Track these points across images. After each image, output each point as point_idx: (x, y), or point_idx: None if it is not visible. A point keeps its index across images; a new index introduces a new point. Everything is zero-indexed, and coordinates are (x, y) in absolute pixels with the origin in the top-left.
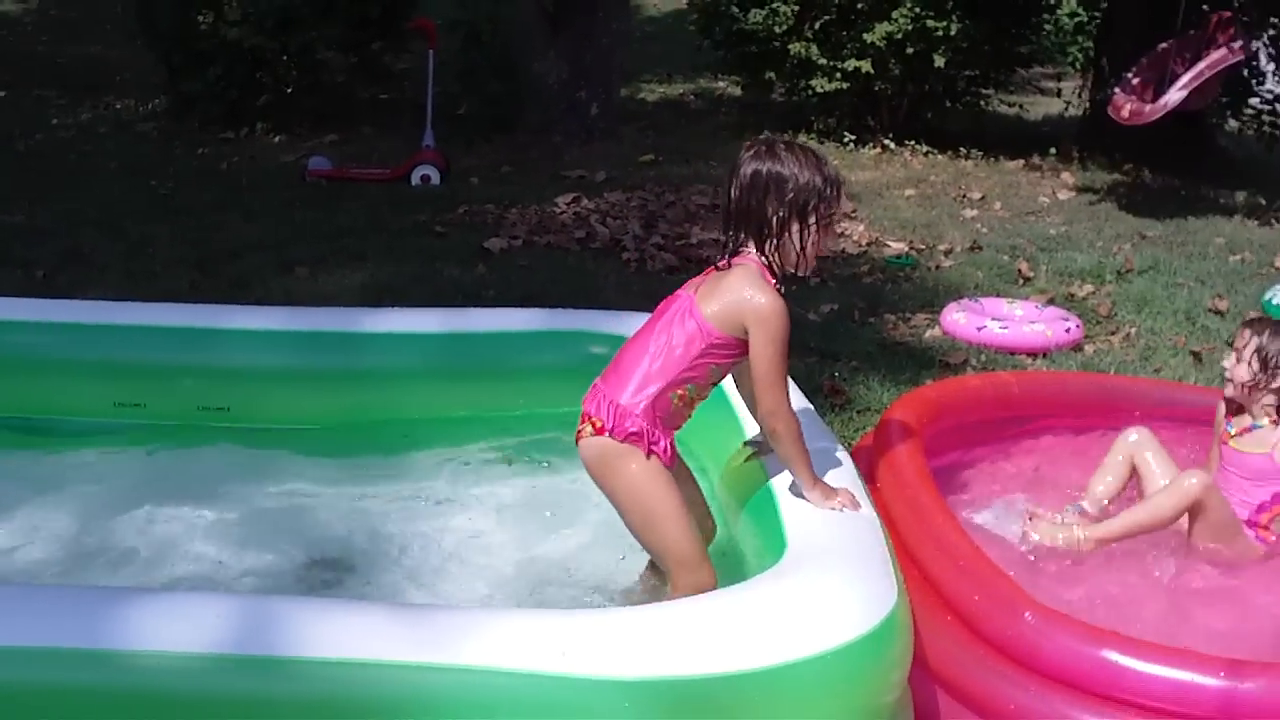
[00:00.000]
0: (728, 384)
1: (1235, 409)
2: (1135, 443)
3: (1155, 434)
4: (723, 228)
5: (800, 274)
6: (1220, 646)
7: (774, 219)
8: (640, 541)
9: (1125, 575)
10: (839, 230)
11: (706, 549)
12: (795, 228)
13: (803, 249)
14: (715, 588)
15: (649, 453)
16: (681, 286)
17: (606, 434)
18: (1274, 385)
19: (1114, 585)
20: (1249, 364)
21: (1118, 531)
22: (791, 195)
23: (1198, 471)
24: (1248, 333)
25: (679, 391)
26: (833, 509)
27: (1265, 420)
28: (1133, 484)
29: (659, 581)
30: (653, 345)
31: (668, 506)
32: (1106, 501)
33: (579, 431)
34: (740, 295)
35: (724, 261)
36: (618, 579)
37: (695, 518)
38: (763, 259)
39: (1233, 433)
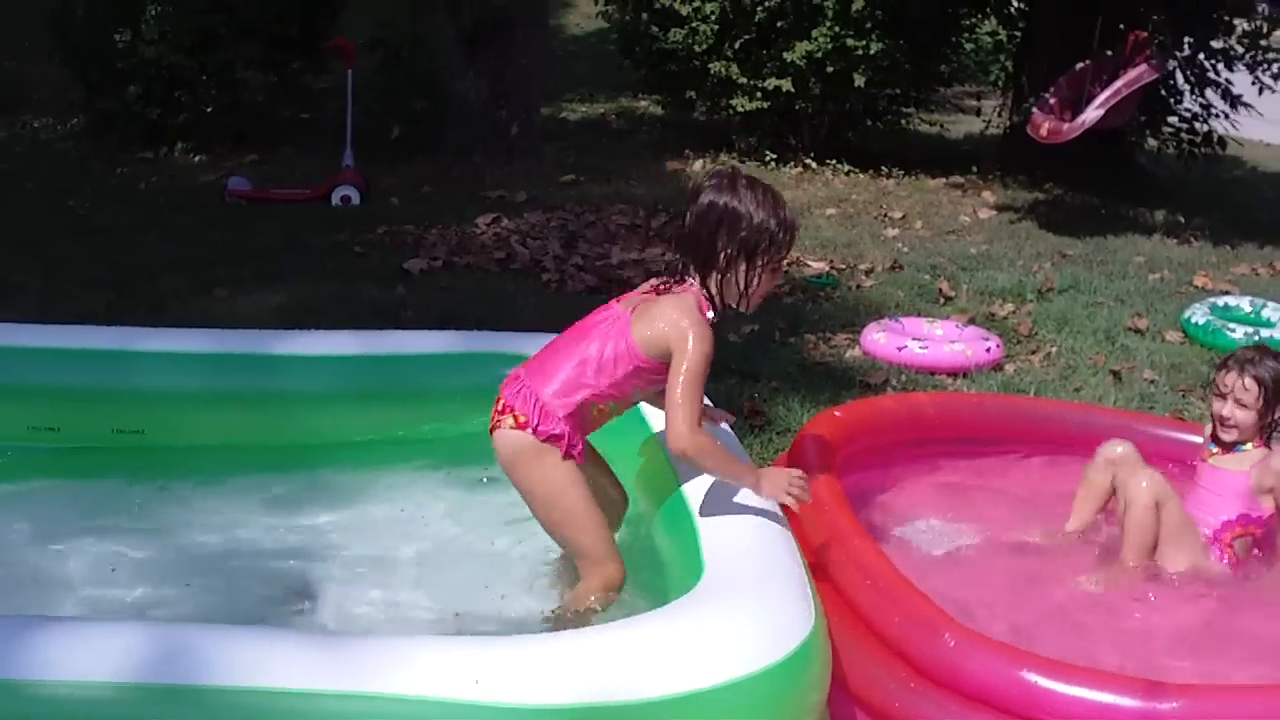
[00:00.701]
0: (647, 408)
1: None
2: (1120, 455)
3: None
4: (673, 249)
5: (741, 311)
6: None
7: (722, 254)
8: (552, 536)
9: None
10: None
11: (614, 541)
12: (742, 267)
13: (746, 288)
14: (622, 581)
15: (566, 454)
16: (618, 299)
17: (529, 430)
18: (1274, 418)
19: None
20: (1256, 409)
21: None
22: (744, 234)
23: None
24: (1243, 378)
25: (600, 405)
26: (791, 495)
27: (1249, 445)
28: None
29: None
30: (581, 352)
31: (580, 506)
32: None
33: (496, 420)
34: (670, 322)
35: (664, 284)
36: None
37: (606, 503)
38: (703, 291)
39: (1214, 451)
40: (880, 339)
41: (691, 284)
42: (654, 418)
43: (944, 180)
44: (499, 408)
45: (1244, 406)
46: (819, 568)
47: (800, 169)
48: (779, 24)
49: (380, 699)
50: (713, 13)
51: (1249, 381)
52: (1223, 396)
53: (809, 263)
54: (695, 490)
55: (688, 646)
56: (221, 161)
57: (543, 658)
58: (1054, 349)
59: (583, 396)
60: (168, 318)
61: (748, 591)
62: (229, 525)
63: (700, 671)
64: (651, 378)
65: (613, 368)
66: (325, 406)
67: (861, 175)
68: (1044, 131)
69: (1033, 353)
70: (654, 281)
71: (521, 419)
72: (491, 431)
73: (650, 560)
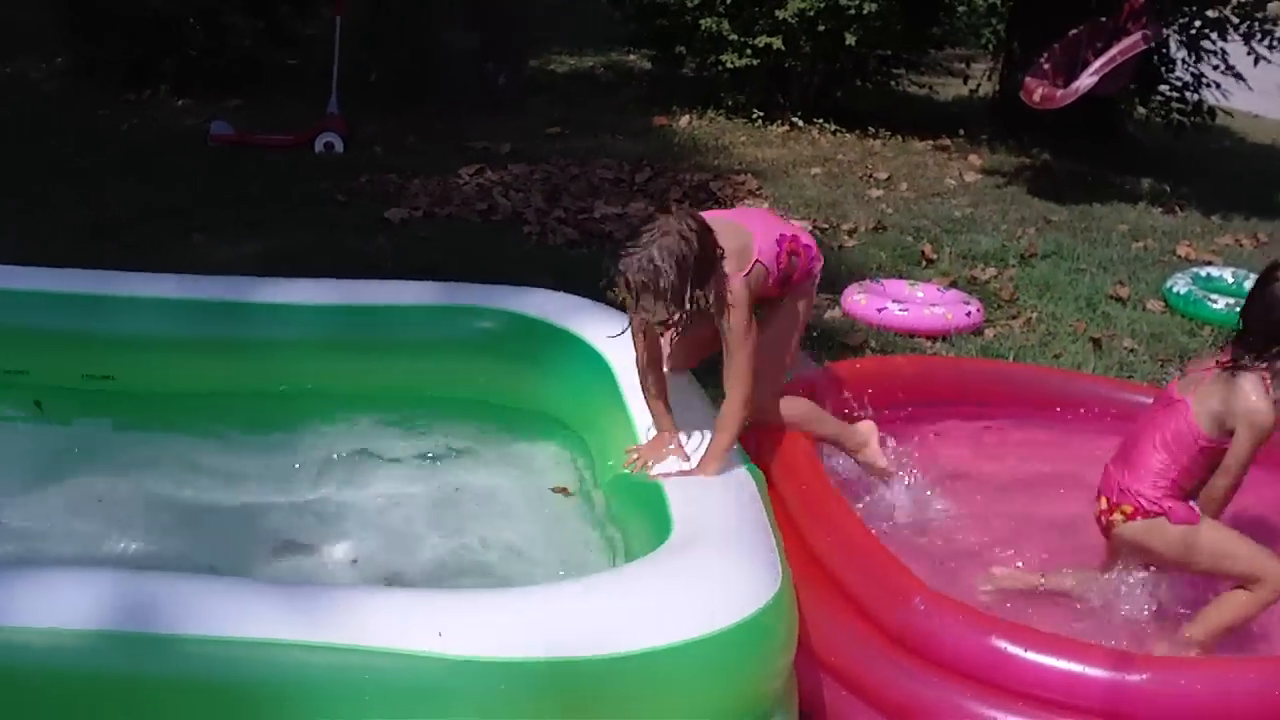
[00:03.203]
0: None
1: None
2: None
3: None
4: (1240, 331)
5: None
6: None
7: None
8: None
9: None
10: None
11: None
12: None
13: None
14: None
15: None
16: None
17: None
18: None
19: None
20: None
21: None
22: None
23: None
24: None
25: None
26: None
27: None
28: None
29: None
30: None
31: (1210, 545)
32: None
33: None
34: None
35: (1226, 361)
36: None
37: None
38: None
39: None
40: (861, 300)
41: (1256, 365)
42: (627, 392)
43: (931, 143)
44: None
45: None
46: (791, 530)
47: (787, 127)
48: None
49: (342, 650)
50: None
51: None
52: None
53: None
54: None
55: (653, 603)
56: (205, 106)
57: (508, 611)
58: (1035, 315)
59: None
60: (147, 263)
61: (714, 550)
62: (196, 473)
63: (665, 629)
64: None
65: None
66: (301, 355)
67: (848, 135)
68: (1037, 97)
69: (1013, 318)
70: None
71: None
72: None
73: (618, 518)
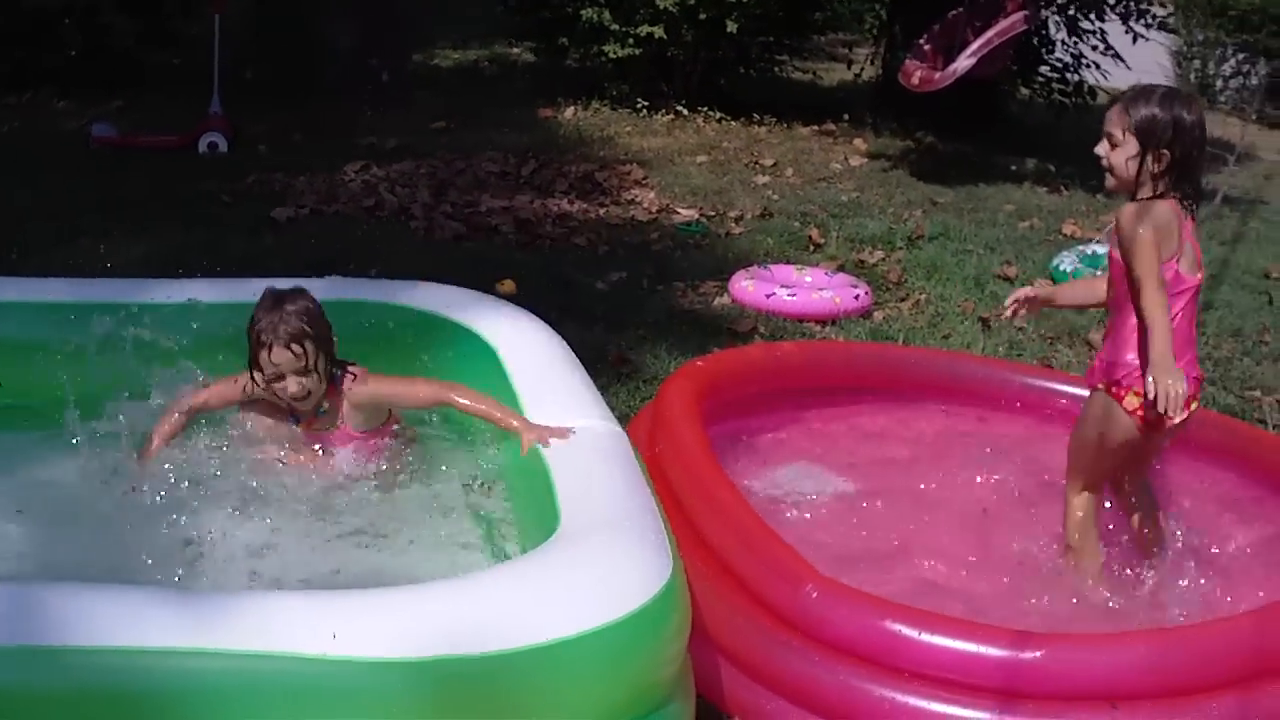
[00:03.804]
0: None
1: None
2: None
3: None
4: None
5: None
6: None
7: None
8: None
9: None
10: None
11: None
12: None
13: None
14: None
15: None
16: None
17: None
18: (1161, 166)
19: None
20: (1125, 142)
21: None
22: None
23: None
24: (1121, 108)
25: None
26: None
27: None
28: None
29: None
30: None
31: None
32: None
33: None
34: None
35: None
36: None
37: None
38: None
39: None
40: (749, 286)
41: None
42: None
43: (816, 128)
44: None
45: (1114, 144)
46: (682, 517)
47: (672, 116)
48: None
49: (234, 655)
50: None
51: (1117, 114)
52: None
53: (679, 210)
54: (552, 439)
55: (544, 596)
56: (87, 108)
57: (398, 611)
58: (923, 296)
59: None
60: (30, 267)
61: (603, 540)
62: (83, 479)
63: (557, 621)
64: None
65: None
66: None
67: (733, 123)
68: (915, 80)
69: (902, 300)
70: None
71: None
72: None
73: (506, 510)
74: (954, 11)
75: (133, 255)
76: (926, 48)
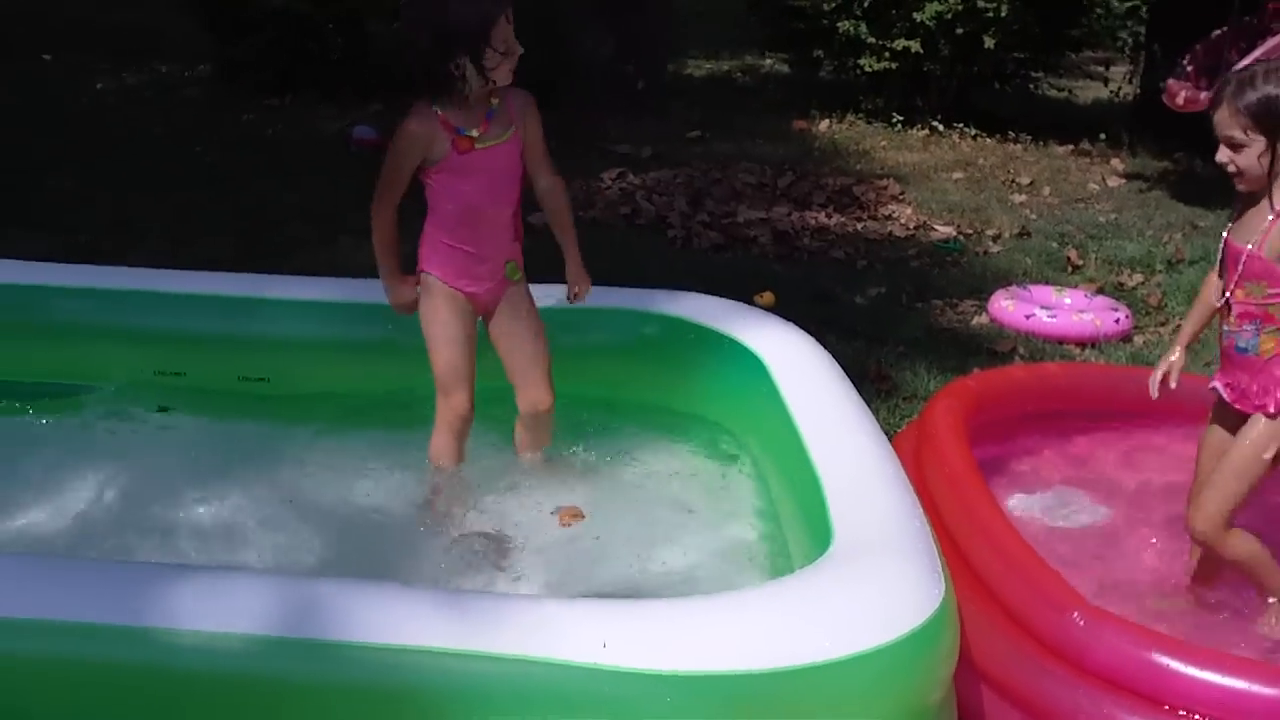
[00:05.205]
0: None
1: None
2: None
3: None
4: None
5: None
6: None
7: None
8: None
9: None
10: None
11: None
12: None
13: None
14: None
15: None
16: None
17: None
18: None
19: None
20: (1251, 140)
21: None
22: None
23: None
24: (1229, 103)
25: None
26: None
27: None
28: None
29: None
30: None
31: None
32: None
33: None
34: None
35: None
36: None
37: None
38: None
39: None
40: (1008, 306)
41: None
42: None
43: (1071, 147)
44: None
45: (1238, 146)
46: (945, 537)
47: (927, 131)
48: None
49: (505, 660)
50: None
51: (1228, 112)
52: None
53: (936, 227)
54: (821, 453)
55: (816, 615)
56: (347, 111)
57: (668, 622)
58: (1183, 321)
59: None
60: (293, 266)
61: (878, 560)
62: (351, 479)
63: (829, 642)
64: None
65: None
66: None
67: (988, 139)
68: (1180, 100)
69: (1162, 325)
70: None
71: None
72: None
73: (773, 525)
74: (1218, 31)
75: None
76: (1189, 68)
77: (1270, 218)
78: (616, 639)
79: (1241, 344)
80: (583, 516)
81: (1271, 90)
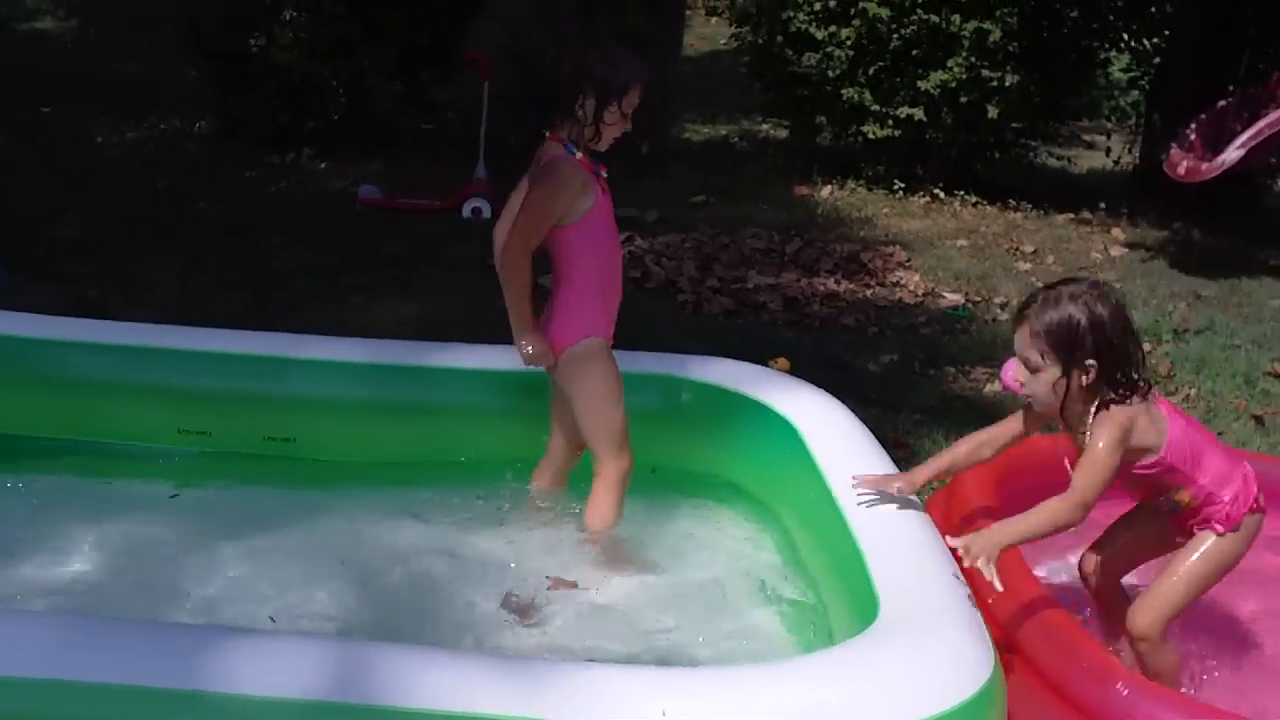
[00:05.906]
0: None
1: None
2: None
3: None
4: None
5: None
6: None
7: None
8: None
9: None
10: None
11: None
12: None
13: None
14: None
15: None
16: None
17: None
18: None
19: None
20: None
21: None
22: None
23: None
24: (1027, 323)
25: None
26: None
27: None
28: None
29: None
30: None
31: None
32: None
33: None
34: None
35: None
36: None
37: None
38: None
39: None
40: None
41: None
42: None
43: (1071, 215)
44: None
45: (1032, 368)
46: (983, 607)
47: (928, 199)
48: (914, 52)
49: None
50: (848, 38)
51: (1026, 331)
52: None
53: (944, 294)
54: (861, 522)
55: (865, 687)
56: (347, 168)
57: (720, 691)
58: (1193, 391)
59: None
60: (303, 323)
61: (927, 630)
62: (379, 538)
63: (879, 714)
64: None
65: None
66: (478, 421)
67: (989, 207)
68: (1182, 170)
69: (1171, 394)
70: None
71: None
72: None
73: (817, 594)
74: (1222, 101)
75: (402, 315)
76: (1193, 137)
77: (1086, 433)
78: (675, 707)
79: (1168, 509)
80: (575, 586)
81: (1073, 313)
